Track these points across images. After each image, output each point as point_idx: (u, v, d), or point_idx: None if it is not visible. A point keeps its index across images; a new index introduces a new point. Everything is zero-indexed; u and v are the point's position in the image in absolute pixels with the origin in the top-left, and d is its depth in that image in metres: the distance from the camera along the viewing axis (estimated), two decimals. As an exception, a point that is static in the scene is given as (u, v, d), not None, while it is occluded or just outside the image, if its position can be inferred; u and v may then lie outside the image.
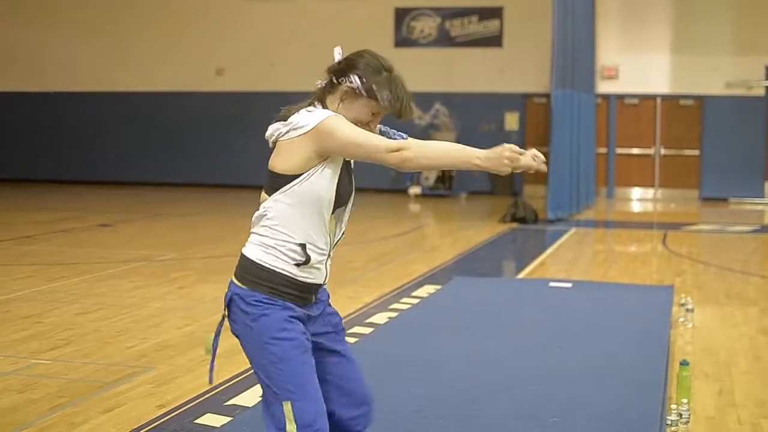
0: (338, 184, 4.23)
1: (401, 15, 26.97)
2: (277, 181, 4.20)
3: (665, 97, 25.64)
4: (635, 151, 25.78)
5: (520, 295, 11.07)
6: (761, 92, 25.21)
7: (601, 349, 8.23)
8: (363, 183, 21.15)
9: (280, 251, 4.18)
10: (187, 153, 27.88)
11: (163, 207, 22.72)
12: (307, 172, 4.15)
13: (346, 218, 4.38)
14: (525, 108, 26.18)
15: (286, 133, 4.18)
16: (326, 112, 4.18)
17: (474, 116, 26.03)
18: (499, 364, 7.69)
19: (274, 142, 4.25)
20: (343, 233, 4.39)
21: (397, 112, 4.35)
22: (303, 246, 4.18)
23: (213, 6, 27.74)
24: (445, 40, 26.74)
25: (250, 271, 4.22)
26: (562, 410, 6.49)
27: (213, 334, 4.39)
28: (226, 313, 4.29)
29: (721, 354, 8.85)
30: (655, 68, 25.55)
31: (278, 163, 4.21)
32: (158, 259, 14.05)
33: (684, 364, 6.95)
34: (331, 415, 4.33)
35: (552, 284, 11.45)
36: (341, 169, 4.25)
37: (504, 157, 4.00)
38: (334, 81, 4.30)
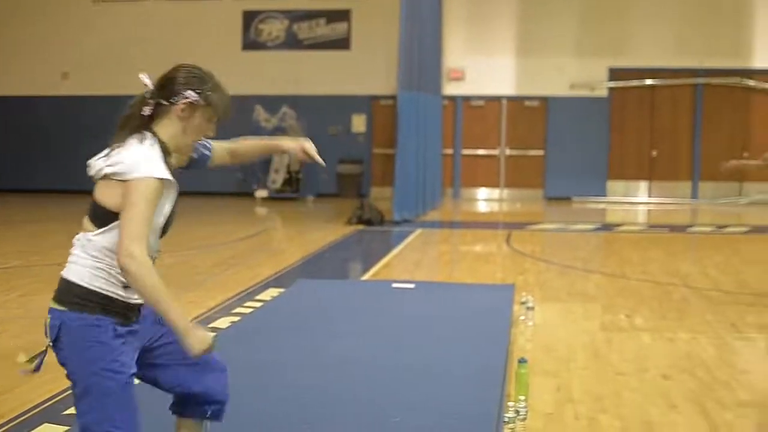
0: (170, 213, 4.23)
1: (249, 18, 26.80)
2: (105, 215, 4.11)
3: (510, 99, 25.99)
4: (481, 151, 26.06)
5: (363, 296, 11.03)
6: (604, 93, 25.74)
7: (442, 349, 8.23)
8: (209, 187, 20.98)
9: (109, 273, 4.10)
10: (40, 158, 27.25)
11: (14, 214, 22.14)
12: None
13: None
14: (372, 110, 26.25)
15: (108, 174, 4.10)
16: (147, 169, 4.04)
17: (321, 118, 26.02)
18: (342, 365, 7.63)
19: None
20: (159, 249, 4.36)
21: (227, 112, 4.45)
22: None
23: (60, 9, 27.17)
24: (293, 42, 26.66)
25: (78, 294, 4.10)
26: (402, 410, 6.45)
27: (33, 358, 4.27)
28: (51, 343, 4.16)
29: (561, 350, 8.94)
30: (501, 70, 25.88)
31: (104, 197, 4.12)
32: (1, 267, 13.67)
33: (522, 361, 6.99)
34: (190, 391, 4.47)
35: (395, 285, 11.44)
36: (173, 204, 4.26)
37: (200, 350, 4.06)
38: (163, 103, 4.22)
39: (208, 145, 4.71)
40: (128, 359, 4.16)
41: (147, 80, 4.31)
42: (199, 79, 4.30)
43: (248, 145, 5.04)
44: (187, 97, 4.22)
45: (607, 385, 7.80)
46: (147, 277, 3.95)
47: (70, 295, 4.12)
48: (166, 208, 4.19)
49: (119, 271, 4.02)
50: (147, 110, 4.23)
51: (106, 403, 4.08)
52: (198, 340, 4.04)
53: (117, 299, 4.13)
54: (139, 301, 4.20)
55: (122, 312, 4.15)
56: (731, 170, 11.95)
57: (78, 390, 4.15)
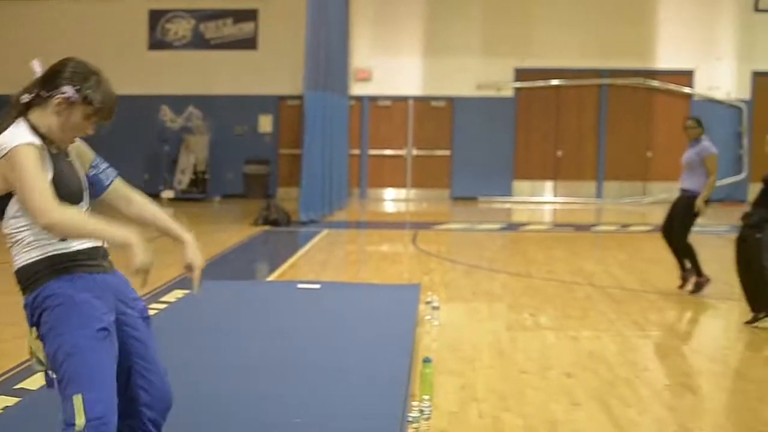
0: (60, 185, 4.15)
1: (156, 17, 26.54)
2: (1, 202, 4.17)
3: (417, 99, 26.06)
4: (388, 152, 26.10)
5: (268, 297, 10.97)
6: (510, 93, 25.93)
7: (347, 349, 8.21)
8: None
9: (40, 239, 4.14)
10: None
11: None
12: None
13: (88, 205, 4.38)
14: (279, 110, 26.15)
15: None
16: (21, 137, 4.07)
17: (228, 119, 25.87)
18: (245, 367, 7.57)
19: None
20: None
21: (109, 113, 4.31)
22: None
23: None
24: (199, 42, 26.46)
25: (28, 275, 4.18)
26: (305, 411, 6.42)
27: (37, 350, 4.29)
28: (34, 330, 4.22)
29: (466, 350, 8.97)
30: (408, 71, 25.95)
31: None
32: None
33: (426, 361, 7.01)
34: (131, 402, 4.40)
35: (300, 286, 11.39)
36: (58, 170, 4.20)
37: (142, 260, 4.13)
38: (43, 94, 4.21)
39: (111, 177, 4.55)
40: (92, 320, 4.15)
41: (38, 68, 4.30)
42: (82, 76, 4.23)
43: (149, 213, 4.70)
44: (63, 93, 4.17)
45: (511, 383, 7.85)
46: (69, 219, 4.01)
47: (23, 280, 4.20)
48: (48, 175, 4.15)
49: (47, 235, 4.09)
50: (25, 97, 4.22)
51: (72, 363, 4.08)
52: (141, 249, 4.09)
53: (57, 254, 4.15)
54: (88, 245, 4.24)
55: (71, 263, 4.18)
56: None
57: (50, 359, 4.15)
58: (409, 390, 7.07)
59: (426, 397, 6.68)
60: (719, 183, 12.95)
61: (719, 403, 7.80)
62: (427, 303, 10.24)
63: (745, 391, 8.00)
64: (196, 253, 4.64)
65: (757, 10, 25.55)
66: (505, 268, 14.49)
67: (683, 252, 12.25)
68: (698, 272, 12.20)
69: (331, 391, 6.92)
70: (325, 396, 6.81)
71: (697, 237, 12.59)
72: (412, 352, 8.13)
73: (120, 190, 4.60)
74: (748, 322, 10.32)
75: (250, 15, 26.22)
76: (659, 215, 22.54)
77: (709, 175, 12.04)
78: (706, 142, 12.31)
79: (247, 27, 26.26)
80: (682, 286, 12.34)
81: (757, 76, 26.02)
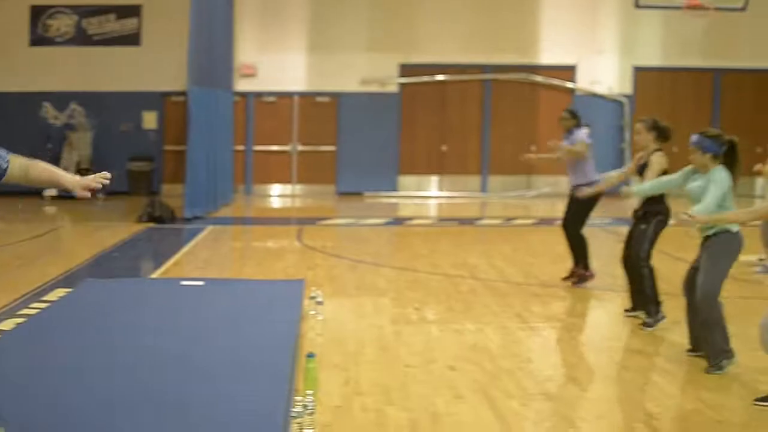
0: None
1: (37, 13, 26.02)
2: None
3: (302, 95, 25.97)
4: (273, 147, 25.97)
5: (151, 295, 10.85)
6: (395, 89, 25.97)
7: (230, 346, 8.16)
8: (-10, 185, 19.81)
9: None
10: None
11: None
12: None
13: None
14: (163, 106, 25.86)
15: None
16: None
17: (112, 115, 25.49)
18: (126, 364, 7.48)
19: None
20: None
21: None
22: None
23: None
24: (82, 38, 26.01)
25: None
26: (189, 408, 6.37)
27: None
28: None
29: (350, 344, 8.99)
30: (293, 66, 25.84)
31: None
32: None
33: (310, 356, 7.00)
34: None
35: (183, 283, 11.30)
36: None
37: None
38: None
39: (5, 157, 4.64)
40: None
41: None
42: None
43: (41, 170, 4.97)
44: None
45: (395, 377, 7.88)
46: None
47: None
48: None
49: None
50: None
51: None
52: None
53: None
54: None
55: None
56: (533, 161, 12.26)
57: None
58: (293, 385, 7.05)
59: (309, 392, 6.66)
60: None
61: (601, 393, 7.92)
62: (312, 298, 10.22)
63: (626, 381, 8.15)
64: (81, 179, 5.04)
65: (637, 6, 25.97)
66: (390, 262, 14.55)
67: (575, 244, 12.35)
68: (585, 266, 12.36)
69: (215, 388, 6.87)
70: (207, 393, 6.75)
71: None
72: (296, 348, 8.11)
73: (17, 165, 4.79)
74: (628, 311, 10.51)
75: (134, 11, 25.87)
76: (543, 209, 22.95)
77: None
78: (579, 133, 12.43)
79: (130, 23, 25.91)
80: (566, 278, 12.48)
81: (638, 70, 26.45)
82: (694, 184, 8.53)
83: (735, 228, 8.25)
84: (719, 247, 8.26)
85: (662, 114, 25.15)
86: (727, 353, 8.27)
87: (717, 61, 26.40)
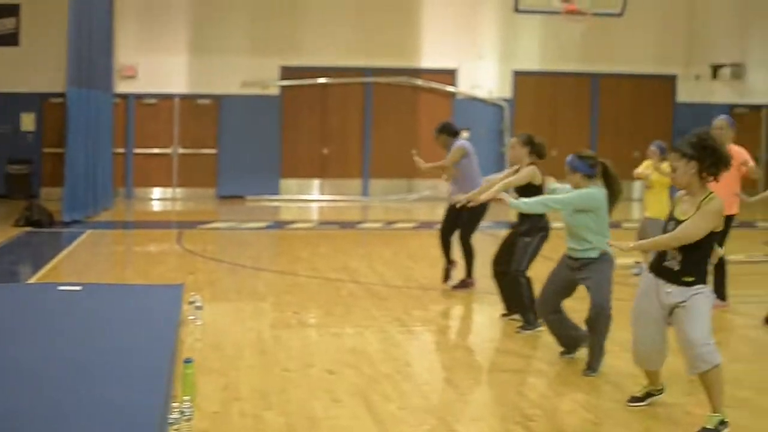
0: None
1: None
2: None
3: (183, 97, 25.77)
4: (154, 150, 25.73)
5: (27, 300, 10.66)
6: (276, 91, 25.92)
7: (106, 351, 8.06)
8: None
9: None
10: None
11: None
12: None
13: None
14: (42, 108, 25.45)
15: None
16: None
17: (-12, 117, 25.06)
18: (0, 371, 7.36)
19: None
20: None
21: None
22: None
23: None
24: (-43, 37, 25.53)
25: None
26: (62, 415, 6.29)
27: None
28: None
29: (229, 349, 8.99)
30: (174, 68, 25.62)
31: None
32: None
33: (187, 361, 6.99)
34: None
35: (61, 288, 11.12)
36: None
37: None
38: None
39: None
40: None
41: None
42: None
43: None
44: None
45: (273, 382, 7.90)
46: None
47: None
48: None
49: None
50: None
51: None
52: None
53: None
54: None
55: None
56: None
57: None
58: (170, 391, 7.01)
59: (187, 398, 6.65)
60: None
61: (479, 396, 8.04)
62: (191, 303, 10.15)
63: (503, 383, 8.27)
64: None
65: (517, 10, 26.30)
66: (271, 266, 14.55)
67: (464, 252, 12.45)
68: (469, 273, 12.47)
69: (90, 394, 6.79)
70: (83, 399, 6.68)
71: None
72: (173, 353, 8.05)
73: None
74: (504, 314, 10.66)
75: (12, 10, 25.41)
76: (425, 212, 23.11)
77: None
78: (455, 144, 12.53)
79: (8, 22, 25.46)
80: (446, 281, 12.60)
81: (518, 75, 26.81)
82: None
83: (610, 250, 8.50)
84: (604, 265, 8.52)
85: (542, 118, 25.84)
86: (603, 355, 8.53)
87: (595, 65, 26.90)
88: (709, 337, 6.84)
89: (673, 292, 6.94)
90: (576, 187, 8.62)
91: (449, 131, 12.78)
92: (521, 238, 10.14)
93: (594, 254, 8.50)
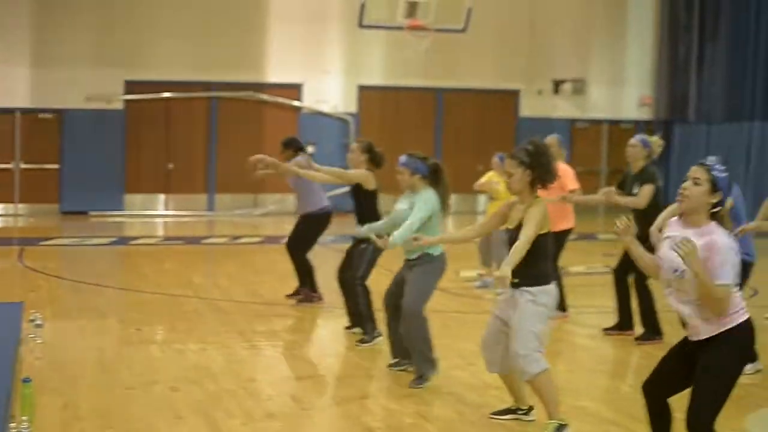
0: None
1: None
2: None
3: (24, 111, 25.26)
4: (-5, 165, 25.21)
5: None
6: (120, 105, 25.61)
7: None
8: None
9: None
10: None
11: None
12: None
13: None
14: None
15: None
16: None
17: None
18: None
19: None
20: None
21: None
22: None
23: None
24: None
25: None
26: None
27: None
28: None
29: (70, 368, 8.88)
30: (15, 81, 25.08)
31: None
32: None
33: (25, 381, 6.88)
34: None
35: None
36: None
37: None
38: None
39: None
40: None
41: None
42: None
43: None
44: None
45: (115, 400, 7.84)
46: None
47: None
48: None
49: None
50: None
51: None
52: None
53: None
54: None
55: None
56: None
57: None
58: (8, 412, 6.91)
59: (25, 418, 6.56)
60: (330, 194, 13.32)
61: (324, 410, 8.11)
62: (31, 321, 9.99)
63: (347, 398, 8.33)
64: None
65: (361, 26, 26.45)
66: (114, 283, 14.38)
67: (300, 267, 12.51)
68: (312, 287, 12.53)
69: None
70: None
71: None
72: (12, 373, 7.94)
73: None
74: (348, 327, 10.75)
75: None
76: (270, 227, 23.09)
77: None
78: (297, 160, 12.55)
79: None
80: (291, 296, 12.63)
81: (363, 89, 27.00)
82: (400, 207, 8.81)
83: (437, 251, 8.59)
84: (424, 267, 8.58)
85: (387, 132, 25.97)
86: (432, 363, 8.59)
87: (439, 80, 27.24)
88: (535, 346, 7.00)
89: (505, 294, 7.18)
90: (411, 188, 8.68)
91: (295, 146, 12.86)
92: (359, 245, 10.23)
93: (420, 253, 8.56)
